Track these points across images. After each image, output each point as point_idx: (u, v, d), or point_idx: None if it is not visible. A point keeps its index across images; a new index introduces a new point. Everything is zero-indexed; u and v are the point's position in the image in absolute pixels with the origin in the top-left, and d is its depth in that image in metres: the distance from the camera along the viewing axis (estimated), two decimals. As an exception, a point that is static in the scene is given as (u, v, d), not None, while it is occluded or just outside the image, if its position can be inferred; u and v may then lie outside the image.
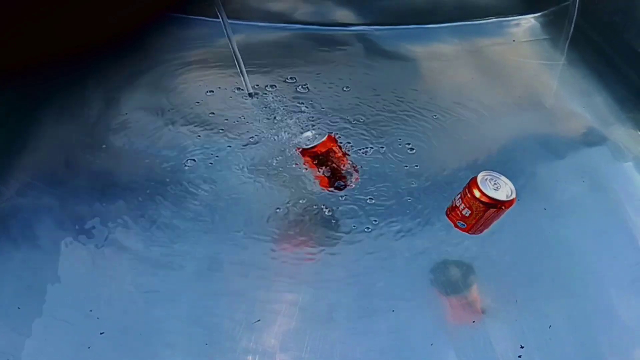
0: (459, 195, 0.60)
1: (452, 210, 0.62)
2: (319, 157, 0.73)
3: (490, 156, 0.80)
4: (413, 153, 0.79)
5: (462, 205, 0.59)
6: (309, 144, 0.73)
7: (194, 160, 0.77)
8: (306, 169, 0.74)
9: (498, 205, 0.57)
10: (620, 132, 0.85)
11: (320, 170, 0.73)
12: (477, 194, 0.56)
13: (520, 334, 0.60)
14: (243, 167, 0.76)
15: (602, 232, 0.71)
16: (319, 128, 0.81)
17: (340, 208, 0.71)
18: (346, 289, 0.64)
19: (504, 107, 0.89)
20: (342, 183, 0.73)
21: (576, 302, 0.63)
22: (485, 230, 0.61)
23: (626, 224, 0.71)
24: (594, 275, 0.66)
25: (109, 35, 0.87)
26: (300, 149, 0.74)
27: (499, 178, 0.58)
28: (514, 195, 0.57)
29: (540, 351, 0.59)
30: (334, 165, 0.74)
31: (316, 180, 0.73)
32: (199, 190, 0.72)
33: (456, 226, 0.62)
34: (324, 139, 0.74)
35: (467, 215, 0.59)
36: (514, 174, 0.59)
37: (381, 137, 0.81)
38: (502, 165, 0.58)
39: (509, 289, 0.64)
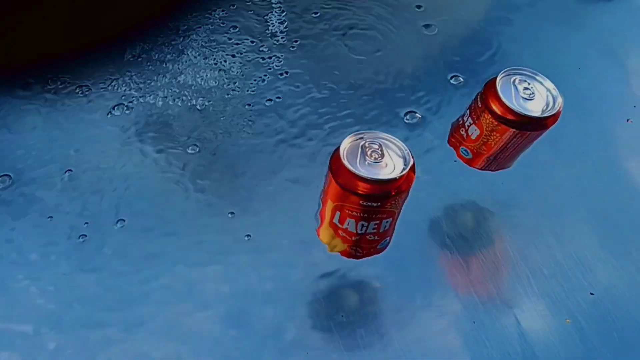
0: (468, 108, 0.40)
1: (455, 130, 0.41)
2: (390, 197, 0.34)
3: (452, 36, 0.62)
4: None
5: (470, 121, 0.38)
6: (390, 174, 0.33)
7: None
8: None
9: (532, 122, 0.36)
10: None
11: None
12: (493, 105, 0.36)
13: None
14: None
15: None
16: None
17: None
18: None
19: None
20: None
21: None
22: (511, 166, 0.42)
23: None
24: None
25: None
26: (367, 180, 0.33)
27: (534, 77, 0.37)
28: (558, 107, 0.36)
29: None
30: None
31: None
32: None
33: (459, 155, 0.42)
34: (408, 166, 0.33)
35: (474, 137, 0.39)
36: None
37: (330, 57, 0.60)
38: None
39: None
